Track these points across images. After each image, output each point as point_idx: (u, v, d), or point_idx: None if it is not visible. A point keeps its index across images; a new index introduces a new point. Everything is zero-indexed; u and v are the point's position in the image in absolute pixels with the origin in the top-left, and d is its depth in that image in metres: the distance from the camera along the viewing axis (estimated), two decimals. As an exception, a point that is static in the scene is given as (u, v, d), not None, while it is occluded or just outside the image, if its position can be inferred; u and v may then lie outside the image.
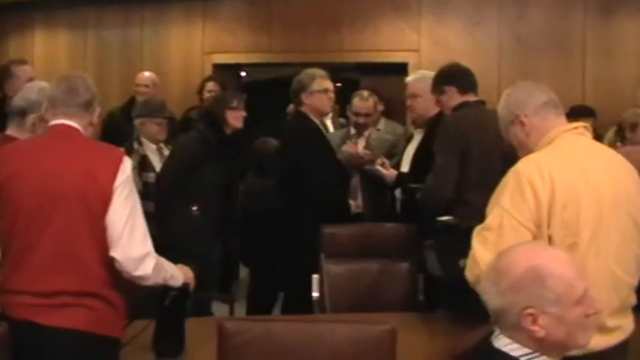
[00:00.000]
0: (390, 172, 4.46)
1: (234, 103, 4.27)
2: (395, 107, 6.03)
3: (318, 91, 4.24)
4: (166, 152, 4.53)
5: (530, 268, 1.65)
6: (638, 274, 2.30)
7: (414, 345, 2.71)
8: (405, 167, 4.44)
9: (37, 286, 2.32)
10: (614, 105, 5.46)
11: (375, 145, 4.93)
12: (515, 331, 1.67)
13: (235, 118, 4.25)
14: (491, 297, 1.70)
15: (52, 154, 2.40)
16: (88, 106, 2.48)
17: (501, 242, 2.12)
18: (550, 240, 2.12)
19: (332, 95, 4.33)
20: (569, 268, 1.67)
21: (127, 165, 2.42)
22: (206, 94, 5.86)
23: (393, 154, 4.84)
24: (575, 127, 2.32)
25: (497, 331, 1.72)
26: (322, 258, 3.83)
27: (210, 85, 5.95)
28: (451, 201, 3.40)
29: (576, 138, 2.31)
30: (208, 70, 6.91)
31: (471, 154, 3.35)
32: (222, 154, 4.24)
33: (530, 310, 1.63)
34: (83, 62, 7.25)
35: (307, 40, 6.78)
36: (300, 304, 3.86)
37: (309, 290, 3.82)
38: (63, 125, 2.44)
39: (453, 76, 3.67)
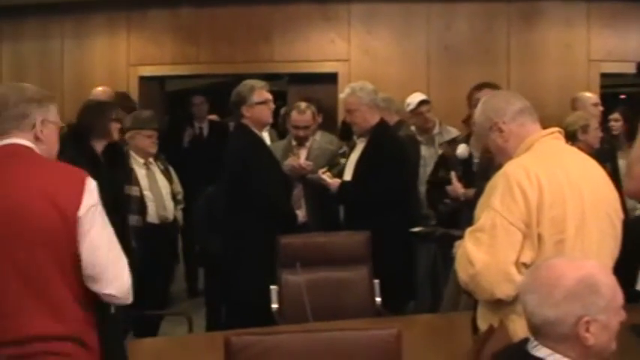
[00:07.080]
0: (333, 181, 4.50)
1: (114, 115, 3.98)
2: (326, 116, 6.08)
3: (259, 103, 4.17)
4: (155, 168, 4.51)
5: (582, 278, 1.70)
6: (612, 266, 2.44)
7: (418, 347, 2.75)
8: (347, 175, 4.50)
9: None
10: (536, 108, 5.70)
11: (317, 154, 4.95)
12: (561, 342, 1.70)
13: (115, 130, 3.97)
14: (541, 309, 1.72)
15: (4, 180, 2.08)
16: (22, 118, 2.14)
17: (495, 242, 2.22)
18: (539, 238, 2.23)
19: (272, 105, 4.29)
20: (611, 276, 1.75)
21: (92, 187, 2.12)
22: None
23: (335, 164, 4.90)
24: (552, 132, 2.45)
25: (534, 342, 1.75)
26: (279, 269, 3.82)
27: None
28: None
29: (554, 142, 2.43)
30: (134, 83, 6.78)
31: None
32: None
33: (586, 318, 1.68)
34: (-3, 76, 6.96)
35: (236, 51, 6.75)
36: (250, 316, 3.82)
37: (260, 302, 3.79)
38: (12, 145, 2.12)
39: None
